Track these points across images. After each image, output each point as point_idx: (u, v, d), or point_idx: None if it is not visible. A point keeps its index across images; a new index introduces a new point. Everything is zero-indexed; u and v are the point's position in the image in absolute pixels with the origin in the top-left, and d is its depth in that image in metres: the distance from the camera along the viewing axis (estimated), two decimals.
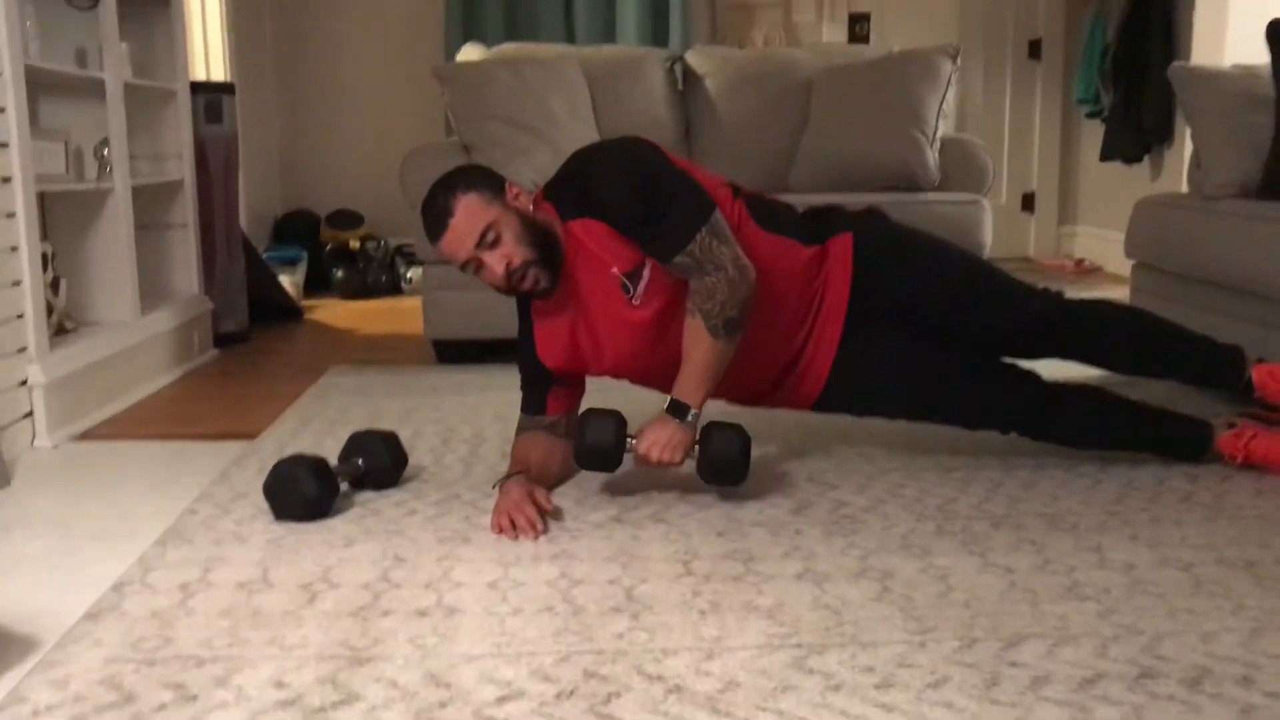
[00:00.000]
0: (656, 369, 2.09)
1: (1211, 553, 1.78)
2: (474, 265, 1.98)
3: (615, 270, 2.00)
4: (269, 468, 2.02)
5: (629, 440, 2.01)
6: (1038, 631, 1.50)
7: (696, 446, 2.00)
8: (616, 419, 2.01)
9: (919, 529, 1.91)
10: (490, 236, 1.95)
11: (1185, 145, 4.05)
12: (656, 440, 1.96)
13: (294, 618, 1.58)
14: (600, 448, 2.01)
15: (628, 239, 1.99)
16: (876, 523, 1.94)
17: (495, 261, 1.95)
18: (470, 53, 4.10)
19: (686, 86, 3.97)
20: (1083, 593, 1.63)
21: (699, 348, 1.96)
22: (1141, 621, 1.53)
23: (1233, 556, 1.76)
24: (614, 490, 2.13)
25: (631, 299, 2.01)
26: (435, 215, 1.98)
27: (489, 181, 2.01)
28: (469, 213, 1.95)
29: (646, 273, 2.00)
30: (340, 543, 1.87)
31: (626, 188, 1.98)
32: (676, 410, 1.97)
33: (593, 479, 2.20)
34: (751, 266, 1.98)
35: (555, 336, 2.10)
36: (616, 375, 2.15)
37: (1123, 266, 4.07)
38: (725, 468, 2.02)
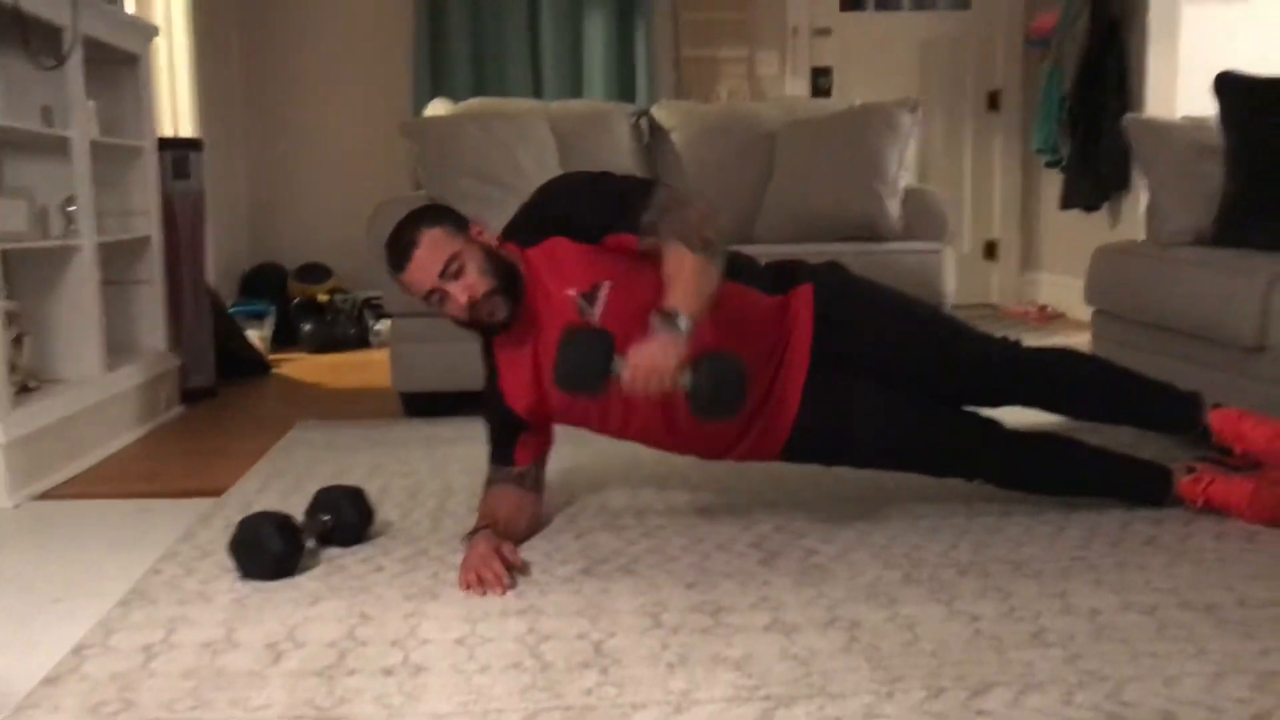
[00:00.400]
0: (617, 403, 2.06)
1: (1174, 596, 1.80)
2: (437, 296, 2.00)
3: (572, 292, 2.02)
4: (234, 525, 2.01)
5: (616, 358, 1.82)
6: (1004, 679, 1.51)
7: (688, 373, 1.81)
8: (603, 334, 1.86)
9: (886, 577, 1.92)
10: (454, 267, 1.98)
11: (1142, 193, 4.13)
12: (648, 353, 1.79)
13: (258, 678, 1.56)
14: (585, 362, 1.83)
15: (591, 256, 2.02)
16: (844, 571, 1.95)
17: (459, 291, 1.98)
18: (438, 108, 4.14)
19: (653, 140, 4.02)
20: (1048, 639, 1.64)
21: (684, 262, 1.87)
22: (1106, 667, 1.54)
23: (1195, 600, 1.78)
24: (583, 542, 2.13)
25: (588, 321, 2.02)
26: (400, 246, 2.01)
27: (454, 218, 2.06)
28: (434, 243, 1.99)
29: (603, 294, 2.01)
30: (306, 600, 1.86)
31: (580, 188, 2.12)
32: (666, 320, 1.81)
33: (561, 531, 2.20)
34: (717, 210, 2.03)
35: (519, 374, 2.11)
36: (578, 417, 2.14)
37: (1085, 312, 4.13)
38: (722, 388, 1.84)
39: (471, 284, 1.98)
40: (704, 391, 1.84)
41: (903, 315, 2.23)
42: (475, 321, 2.02)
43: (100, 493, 2.64)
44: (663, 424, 2.10)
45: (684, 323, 1.81)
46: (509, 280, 2.02)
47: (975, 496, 2.31)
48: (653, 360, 1.79)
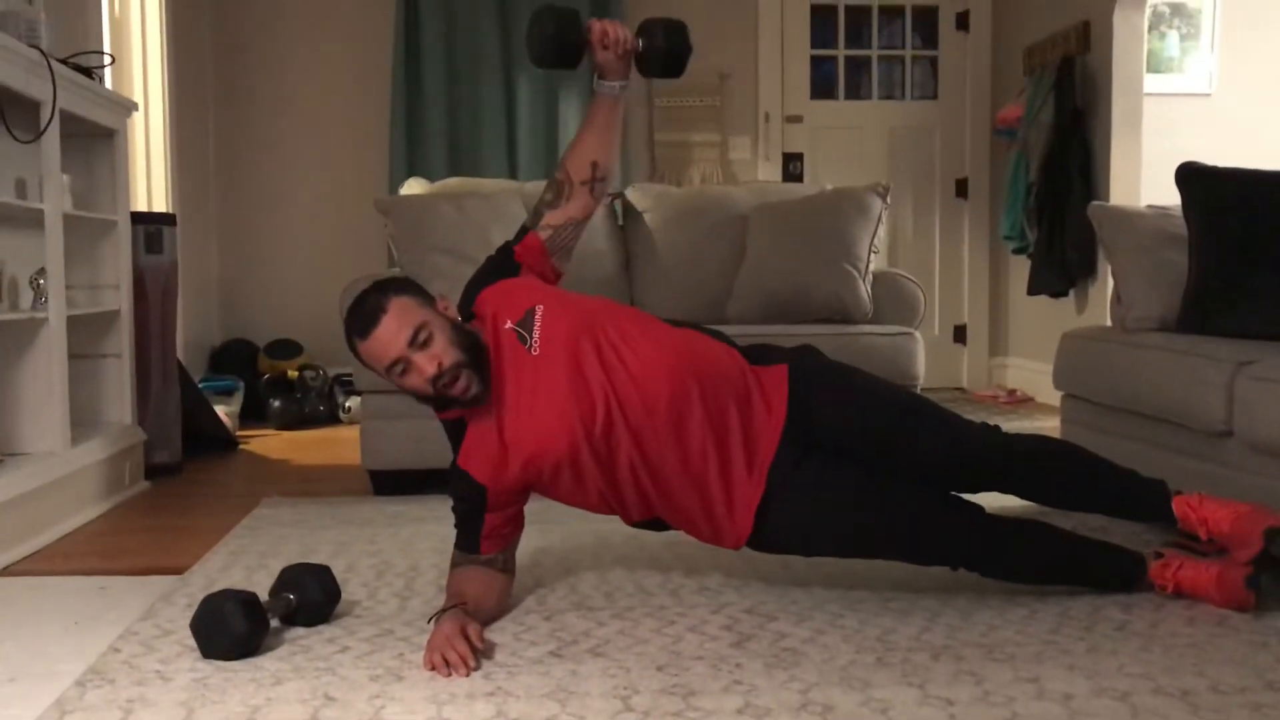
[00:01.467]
0: (578, 432, 2.03)
1: (1148, 682, 1.79)
2: (401, 366, 1.98)
3: (509, 324, 2.05)
4: (197, 603, 1.97)
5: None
6: None
7: (640, 41, 2.19)
8: (565, 7, 2.15)
9: (859, 660, 1.90)
10: (422, 336, 1.97)
11: (1108, 280, 4.20)
12: (602, 21, 2.15)
13: None
14: (558, 28, 2.12)
15: (519, 288, 2.15)
16: (817, 654, 1.93)
17: (425, 362, 1.96)
18: (414, 186, 4.17)
19: (626, 221, 4.06)
20: None
21: None
22: None
23: (1168, 685, 1.77)
24: (552, 624, 2.10)
25: (529, 348, 2.04)
26: (366, 313, 1.99)
27: (419, 290, 2.08)
28: (402, 311, 1.98)
29: (538, 317, 2.06)
30: (269, 681, 1.82)
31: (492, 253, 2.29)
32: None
33: (530, 612, 2.17)
34: None
35: (483, 439, 2.08)
36: (549, 464, 2.06)
37: (1053, 397, 4.16)
38: (671, 36, 2.18)
39: (439, 354, 1.97)
40: (657, 44, 2.18)
41: (879, 400, 2.22)
42: (439, 394, 2.01)
43: (60, 569, 2.59)
44: (636, 460, 2.06)
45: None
46: (475, 352, 2.02)
47: (947, 580, 2.30)
48: (610, 20, 2.16)
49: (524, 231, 2.25)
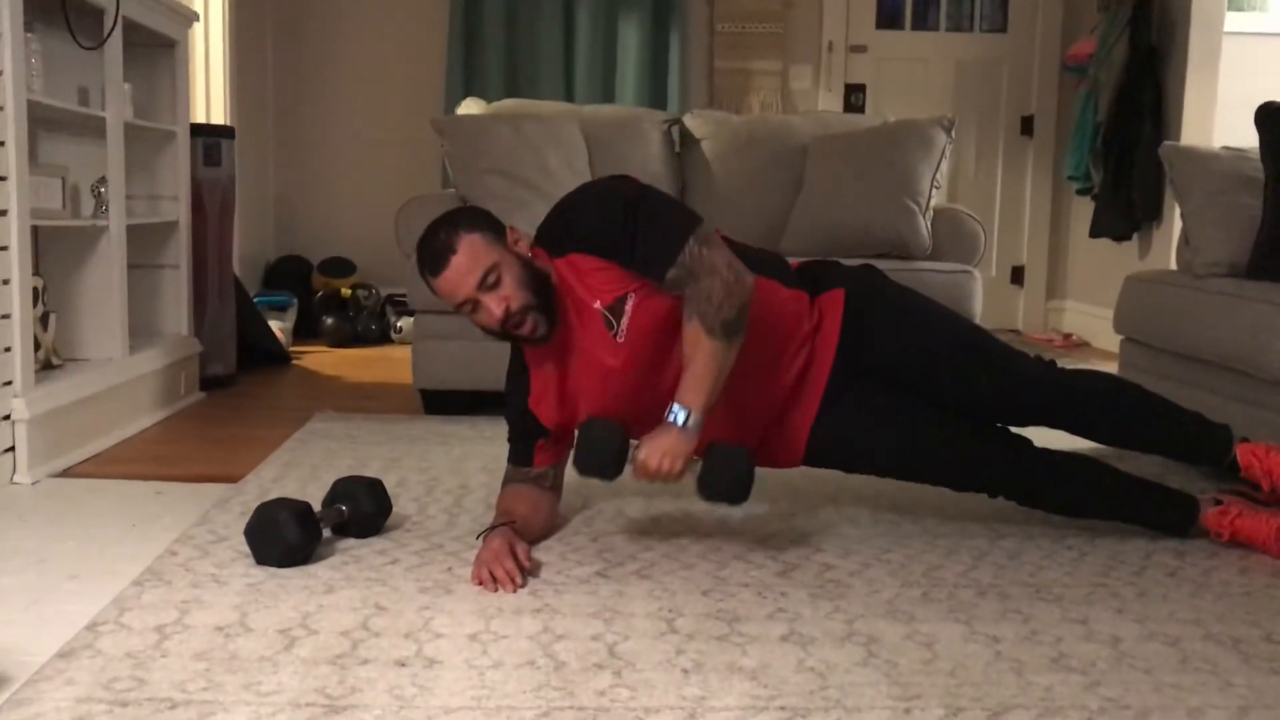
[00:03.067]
0: (644, 411, 2.03)
1: (1198, 628, 1.77)
2: (470, 305, 1.97)
3: (597, 305, 1.98)
4: (251, 511, 2.00)
5: (631, 449, 1.92)
6: (1024, 702, 1.49)
7: (698, 461, 1.93)
8: (620, 427, 1.93)
9: (905, 595, 1.89)
10: (492, 278, 1.93)
11: (1174, 224, 4.10)
12: (657, 447, 1.88)
13: (270, 663, 1.55)
14: (602, 453, 1.92)
15: (614, 268, 1.97)
16: (862, 587, 1.93)
17: (494, 304, 1.94)
18: (470, 107, 4.14)
19: (683, 148, 4.01)
20: (1069, 664, 1.62)
21: (699, 352, 1.90)
22: (1128, 696, 1.52)
23: (1219, 633, 1.75)
24: (599, 545, 2.12)
25: (615, 335, 1.99)
26: (436, 251, 1.95)
27: (491, 224, 2.01)
28: (472, 251, 1.94)
29: (629, 306, 1.97)
30: (320, 589, 1.85)
31: (609, 211, 2.00)
32: (676, 416, 1.89)
33: (577, 533, 2.18)
34: (748, 272, 1.95)
35: (549, 390, 2.09)
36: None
37: (1109, 343, 4.09)
38: (727, 484, 1.94)
39: (508, 296, 1.93)
40: (706, 483, 1.95)
41: (936, 326, 2.20)
42: (506, 334, 2.00)
43: (118, 473, 2.64)
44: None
45: (694, 421, 1.89)
46: (544, 294, 1.98)
47: (995, 518, 2.29)
48: (660, 462, 1.88)
49: (654, 271, 1.96)
